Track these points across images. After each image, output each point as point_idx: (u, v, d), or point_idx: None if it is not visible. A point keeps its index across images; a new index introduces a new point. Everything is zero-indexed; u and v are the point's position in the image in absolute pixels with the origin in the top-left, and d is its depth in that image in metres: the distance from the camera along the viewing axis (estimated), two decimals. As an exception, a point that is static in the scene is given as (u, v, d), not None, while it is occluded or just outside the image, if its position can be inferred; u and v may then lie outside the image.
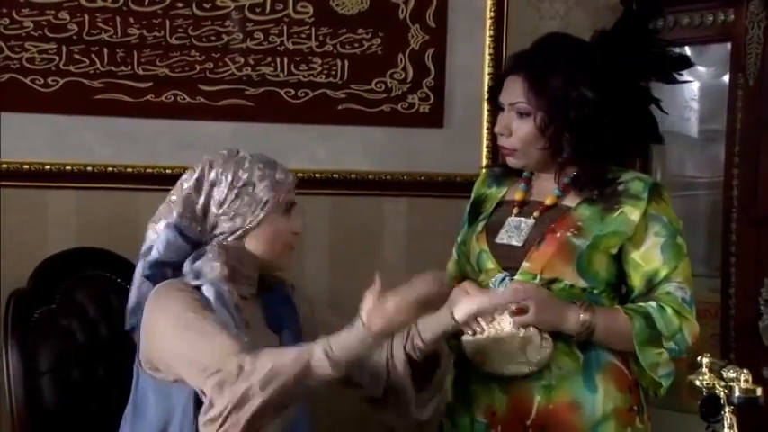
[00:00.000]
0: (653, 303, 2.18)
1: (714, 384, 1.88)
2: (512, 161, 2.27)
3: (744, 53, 2.66)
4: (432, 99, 3.03)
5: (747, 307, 2.67)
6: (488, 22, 3.05)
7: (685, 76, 2.47)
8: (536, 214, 2.24)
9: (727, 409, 1.86)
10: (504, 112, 2.25)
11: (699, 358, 1.91)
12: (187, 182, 2.12)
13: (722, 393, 1.86)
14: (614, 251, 2.20)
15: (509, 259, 2.22)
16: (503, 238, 2.25)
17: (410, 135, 3.03)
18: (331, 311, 3.03)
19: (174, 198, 2.12)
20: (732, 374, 1.86)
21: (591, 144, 2.19)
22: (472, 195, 2.42)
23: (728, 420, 1.86)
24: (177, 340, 1.97)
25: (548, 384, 2.17)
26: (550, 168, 2.26)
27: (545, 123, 2.18)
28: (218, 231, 2.09)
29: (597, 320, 2.14)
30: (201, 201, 2.08)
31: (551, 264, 2.17)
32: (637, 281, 2.21)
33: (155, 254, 2.09)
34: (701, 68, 3.03)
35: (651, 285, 2.19)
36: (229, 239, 2.09)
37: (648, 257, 2.19)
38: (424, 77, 3.02)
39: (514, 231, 2.24)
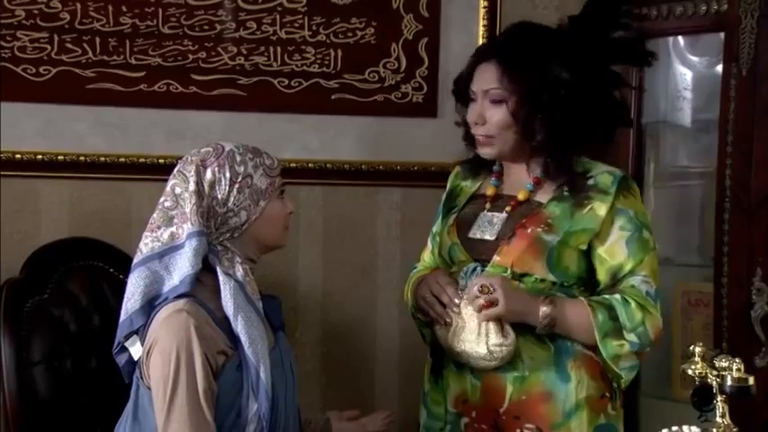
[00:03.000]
0: (617, 296, 2.17)
1: (706, 373, 1.88)
2: (486, 151, 2.26)
3: (737, 43, 2.66)
4: (425, 89, 3.02)
5: (740, 296, 2.67)
6: (482, 11, 3.04)
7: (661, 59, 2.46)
8: (508, 209, 2.24)
9: (719, 398, 1.86)
10: (477, 101, 2.23)
11: (691, 347, 1.92)
12: (181, 187, 2.06)
13: (714, 382, 1.87)
14: (584, 247, 2.20)
15: (481, 252, 2.23)
16: (476, 233, 2.25)
17: (403, 125, 3.03)
18: (323, 302, 3.04)
19: (169, 204, 2.07)
20: (724, 364, 1.87)
21: (563, 126, 2.19)
22: (447, 187, 2.42)
23: (721, 409, 1.86)
24: (163, 404, 1.96)
25: (520, 375, 2.17)
26: (523, 156, 2.25)
27: (518, 108, 2.18)
28: (224, 229, 2.07)
29: (559, 313, 2.15)
30: (205, 203, 2.06)
31: (522, 259, 2.18)
32: (603, 275, 2.21)
33: (189, 270, 2.00)
34: (694, 58, 3.04)
35: (616, 279, 2.19)
36: (236, 234, 2.09)
37: (613, 252, 2.19)
38: (417, 67, 3.01)
39: (487, 226, 2.25)
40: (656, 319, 2.18)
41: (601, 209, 2.18)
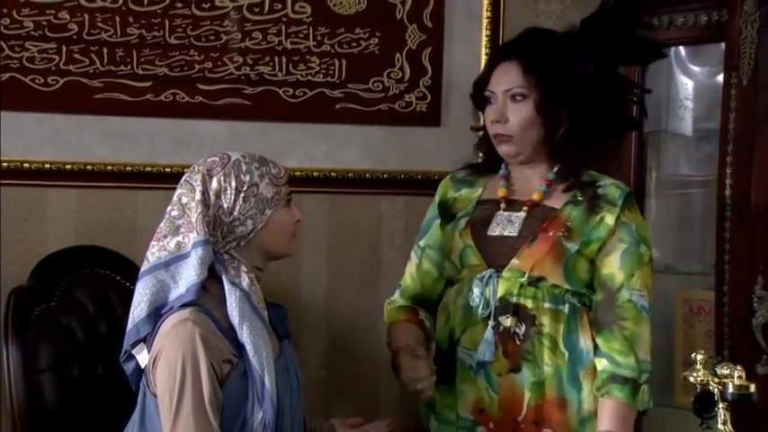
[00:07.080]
0: (604, 361, 2.18)
1: (708, 381, 1.90)
2: (506, 149, 2.28)
3: (738, 53, 2.67)
4: (429, 98, 3.04)
5: (741, 304, 2.68)
6: (485, 21, 3.06)
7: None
8: (525, 208, 2.27)
9: (720, 405, 1.88)
10: (497, 101, 2.26)
11: (693, 355, 1.94)
12: (187, 196, 2.08)
13: (716, 390, 1.88)
14: (593, 256, 2.23)
15: (496, 256, 2.24)
16: (495, 230, 2.26)
17: (407, 134, 3.05)
18: (327, 310, 3.06)
19: (175, 213, 2.09)
20: (726, 371, 1.89)
21: (584, 119, 2.22)
22: (436, 199, 2.41)
23: (722, 416, 1.88)
24: (169, 412, 1.98)
25: (537, 381, 2.20)
26: (538, 157, 2.28)
27: (542, 102, 2.21)
28: (231, 238, 2.09)
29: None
30: (211, 212, 2.08)
31: (542, 263, 2.20)
32: (595, 282, 2.24)
33: (194, 279, 2.02)
34: (695, 68, 3.05)
35: (609, 291, 2.20)
36: (242, 243, 2.10)
37: (607, 262, 2.22)
38: (421, 77, 3.03)
39: (507, 224, 2.26)
40: (643, 339, 2.20)
41: (610, 220, 2.22)
